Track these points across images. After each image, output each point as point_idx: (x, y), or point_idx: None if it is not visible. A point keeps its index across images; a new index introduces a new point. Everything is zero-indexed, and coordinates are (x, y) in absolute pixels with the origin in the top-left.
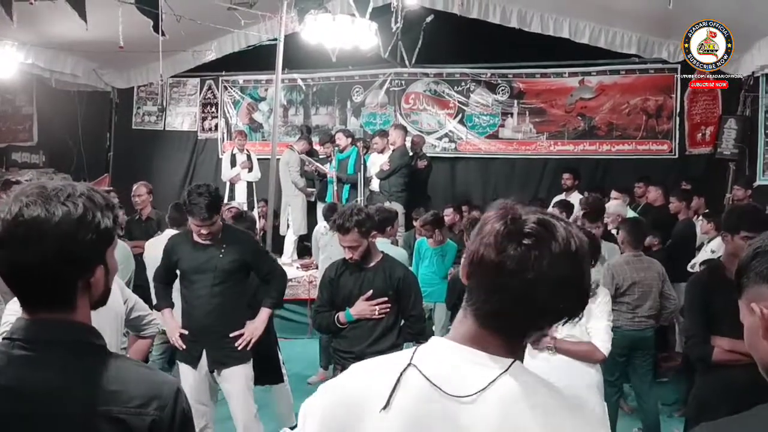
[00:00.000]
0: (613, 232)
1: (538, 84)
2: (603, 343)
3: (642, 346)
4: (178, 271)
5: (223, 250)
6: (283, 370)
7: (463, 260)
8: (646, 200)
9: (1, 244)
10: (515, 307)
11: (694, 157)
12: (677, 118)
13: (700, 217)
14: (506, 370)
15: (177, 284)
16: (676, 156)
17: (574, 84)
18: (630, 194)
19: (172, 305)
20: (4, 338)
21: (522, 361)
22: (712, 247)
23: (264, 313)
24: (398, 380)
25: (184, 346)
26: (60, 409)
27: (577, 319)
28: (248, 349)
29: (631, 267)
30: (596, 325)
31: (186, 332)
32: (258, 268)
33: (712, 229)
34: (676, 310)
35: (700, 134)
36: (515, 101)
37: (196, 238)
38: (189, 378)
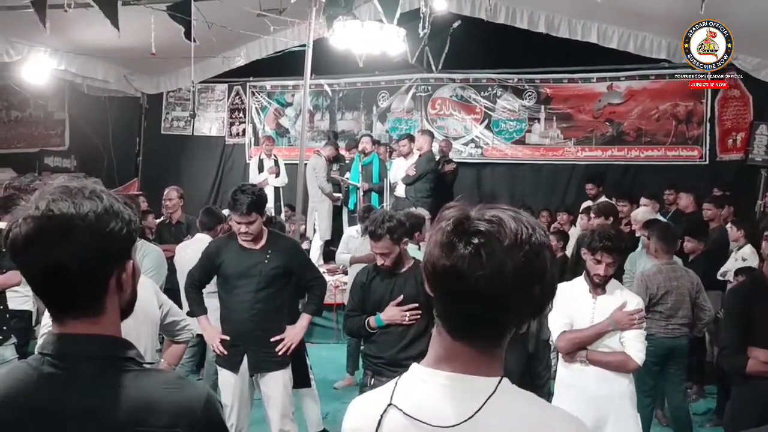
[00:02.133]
0: (643, 239)
1: (565, 89)
2: (637, 353)
3: (676, 355)
4: (216, 276)
5: (268, 256)
6: (311, 375)
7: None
8: (677, 207)
9: (32, 241)
10: (479, 310)
11: (725, 164)
12: (708, 124)
13: (728, 225)
14: (493, 392)
15: (208, 289)
16: (707, 162)
17: (602, 89)
18: (659, 201)
19: (206, 311)
20: (38, 352)
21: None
22: (743, 255)
23: (304, 319)
24: (379, 424)
25: (225, 352)
26: (86, 430)
27: (547, 310)
28: (288, 354)
29: (664, 275)
30: (629, 334)
31: (227, 338)
32: (302, 275)
33: (741, 237)
34: (711, 320)
35: (731, 140)
36: (542, 106)
37: (240, 241)
38: (229, 382)
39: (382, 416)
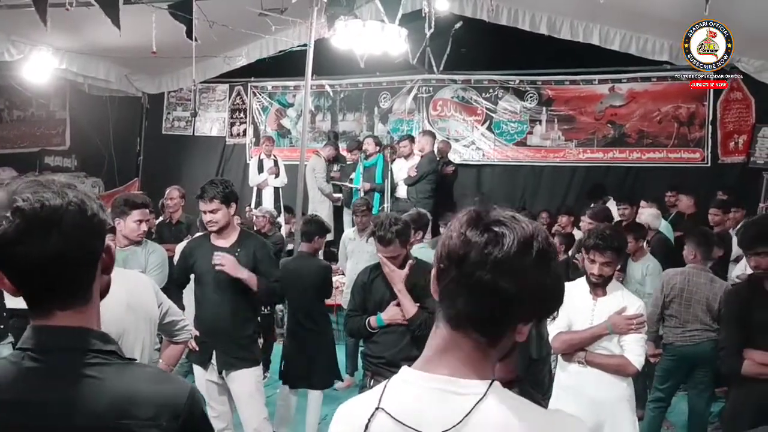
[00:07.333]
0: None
1: (567, 91)
2: (636, 357)
3: (701, 362)
4: (192, 275)
5: (237, 255)
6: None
7: (432, 270)
8: (678, 209)
9: (27, 234)
10: (487, 299)
11: (727, 166)
12: (710, 126)
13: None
14: (483, 397)
15: (190, 286)
16: (709, 165)
17: (603, 91)
18: (660, 204)
19: (183, 308)
20: (16, 348)
21: (495, 373)
22: None
23: (253, 277)
24: (366, 428)
25: (197, 348)
26: (69, 423)
27: (551, 317)
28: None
29: (683, 278)
30: (629, 338)
31: (197, 333)
32: (265, 274)
33: None
34: None
35: (733, 143)
36: (544, 108)
37: (212, 238)
38: (202, 379)
39: (369, 420)
